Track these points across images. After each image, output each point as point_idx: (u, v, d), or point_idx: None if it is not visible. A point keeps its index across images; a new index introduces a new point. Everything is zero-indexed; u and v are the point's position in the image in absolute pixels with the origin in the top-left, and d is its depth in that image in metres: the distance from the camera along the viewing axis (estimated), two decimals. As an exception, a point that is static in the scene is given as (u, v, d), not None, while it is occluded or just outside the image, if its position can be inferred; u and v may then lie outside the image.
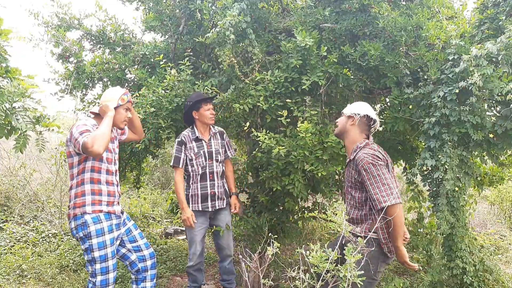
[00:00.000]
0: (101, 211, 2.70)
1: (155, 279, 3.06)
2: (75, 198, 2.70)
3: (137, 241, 2.96)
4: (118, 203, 2.87)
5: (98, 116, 2.85)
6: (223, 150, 3.59)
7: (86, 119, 2.83)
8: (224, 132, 3.66)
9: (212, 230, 3.60)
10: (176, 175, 3.49)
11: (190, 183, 3.50)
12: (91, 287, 2.73)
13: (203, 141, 3.50)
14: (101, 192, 2.73)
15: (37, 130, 2.37)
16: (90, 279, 2.74)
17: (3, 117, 2.08)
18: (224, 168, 3.62)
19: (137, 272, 2.98)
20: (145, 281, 2.99)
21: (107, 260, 2.71)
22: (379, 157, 2.59)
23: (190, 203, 3.50)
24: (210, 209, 3.48)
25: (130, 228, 2.96)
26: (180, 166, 3.47)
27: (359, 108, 2.78)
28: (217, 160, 3.51)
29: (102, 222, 2.69)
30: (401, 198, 2.75)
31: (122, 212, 2.91)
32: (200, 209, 3.47)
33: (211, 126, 3.56)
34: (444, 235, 3.25)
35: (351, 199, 2.74)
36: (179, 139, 3.48)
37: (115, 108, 2.82)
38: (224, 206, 3.56)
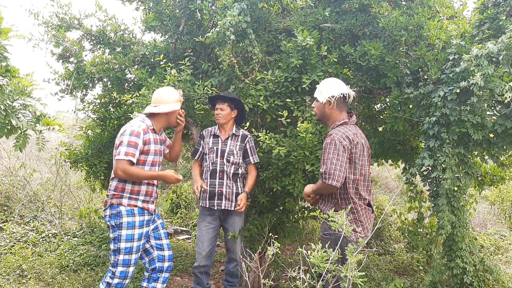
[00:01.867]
0: (136, 206, 2.82)
1: (166, 283, 3.08)
2: (115, 190, 2.82)
3: (161, 239, 3.05)
4: (153, 202, 2.96)
5: (154, 116, 2.95)
6: (240, 153, 3.49)
7: (144, 119, 2.93)
8: (249, 136, 3.55)
9: (229, 235, 3.56)
10: (192, 164, 3.71)
11: (203, 178, 3.54)
12: (110, 276, 2.81)
13: (219, 138, 3.51)
14: (139, 192, 2.85)
15: (37, 129, 2.37)
16: (111, 268, 2.82)
17: (3, 116, 2.08)
18: (239, 171, 3.51)
19: (153, 270, 3.03)
20: (157, 282, 3.04)
21: (131, 254, 2.80)
22: (347, 138, 2.65)
23: (201, 199, 3.55)
24: (215, 207, 3.44)
25: (158, 225, 3.06)
26: (196, 158, 3.62)
27: (332, 89, 2.78)
28: (228, 160, 3.45)
29: (135, 216, 2.80)
30: (401, 198, 2.81)
31: (154, 211, 3.00)
32: (207, 206, 3.47)
33: (235, 128, 3.55)
34: (447, 235, 3.24)
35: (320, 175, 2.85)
36: (201, 133, 3.65)
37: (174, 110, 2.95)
38: (233, 209, 3.46)
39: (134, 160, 2.74)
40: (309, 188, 2.88)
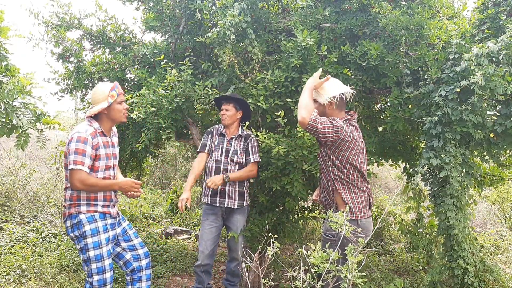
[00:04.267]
0: (96, 211, 2.69)
1: (150, 280, 3.03)
2: (71, 200, 2.69)
3: (132, 240, 2.95)
4: (114, 205, 2.85)
5: (98, 118, 2.76)
6: (243, 152, 3.51)
7: (91, 122, 2.73)
8: (251, 136, 3.56)
9: (229, 236, 3.57)
10: (196, 158, 3.59)
11: (206, 174, 3.57)
12: (88, 287, 2.72)
13: (225, 138, 3.54)
14: (97, 199, 2.71)
15: (38, 128, 2.37)
16: (87, 279, 2.71)
17: (4, 115, 2.08)
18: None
19: (132, 272, 2.95)
20: (140, 281, 2.96)
21: (103, 260, 2.69)
22: (343, 128, 2.66)
23: (203, 194, 3.57)
24: (217, 205, 3.46)
25: (125, 228, 2.95)
26: (206, 150, 3.54)
27: (333, 90, 2.78)
28: (232, 160, 3.48)
29: (97, 221, 2.67)
30: (401, 198, 2.83)
31: (118, 213, 2.90)
32: (209, 202, 3.50)
33: (241, 129, 3.57)
34: (448, 235, 3.24)
35: (321, 171, 2.87)
36: (209, 130, 3.63)
37: (108, 106, 2.72)
38: (236, 207, 3.49)
39: (86, 169, 2.56)
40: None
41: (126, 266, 2.94)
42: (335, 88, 2.78)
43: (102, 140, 2.72)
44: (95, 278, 2.67)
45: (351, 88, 2.87)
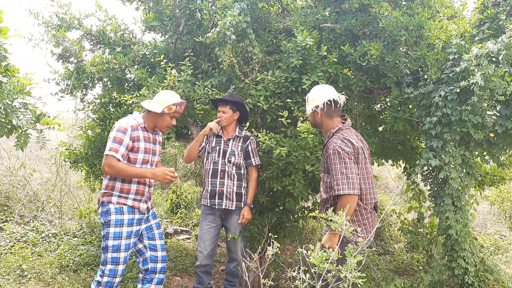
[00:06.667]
0: (125, 204, 2.80)
1: (161, 285, 3.04)
2: (106, 189, 2.81)
3: (155, 240, 3.02)
4: (146, 201, 2.93)
5: (148, 114, 2.91)
6: (241, 153, 3.49)
7: (136, 116, 2.89)
8: (251, 138, 3.55)
9: (229, 237, 3.58)
10: None
11: (205, 177, 3.58)
12: (100, 275, 2.80)
13: (222, 139, 3.53)
14: (129, 191, 2.82)
15: (38, 128, 2.38)
16: (101, 266, 2.82)
17: (4, 116, 2.08)
18: (241, 171, 3.51)
19: (145, 271, 3.01)
20: (151, 283, 3.00)
21: (119, 251, 2.78)
22: (347, 145, 2.61)
23: (202, 196, 3.59)
24: (216, 207, 3.47)
25: (152, 226, 3.02)
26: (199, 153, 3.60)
27: (317, 98, 2.76)
28: (229, 161, 3.47)
29: (123, 214, 2.78)
30: (402, 198, 2.81)
31: (148, 210, 2.96)
32: (208, 204, 3.51)
33: (238, 130, 3.56)
34: (449, 235, 3.24)
35: (322, 183, 2.82)
36: None
37: (160, 113, 2.86)
38: (234, 208, 3.48)
39: (118, 156, 2.69)
40: (328, 237, 2.63)
41: (143, 263, 3.02)
42: (320, 96, 2.76)
43: (143, 134, 2.86)
44: (108, 267, 2.78)
45: (346, 92, 2.84)
